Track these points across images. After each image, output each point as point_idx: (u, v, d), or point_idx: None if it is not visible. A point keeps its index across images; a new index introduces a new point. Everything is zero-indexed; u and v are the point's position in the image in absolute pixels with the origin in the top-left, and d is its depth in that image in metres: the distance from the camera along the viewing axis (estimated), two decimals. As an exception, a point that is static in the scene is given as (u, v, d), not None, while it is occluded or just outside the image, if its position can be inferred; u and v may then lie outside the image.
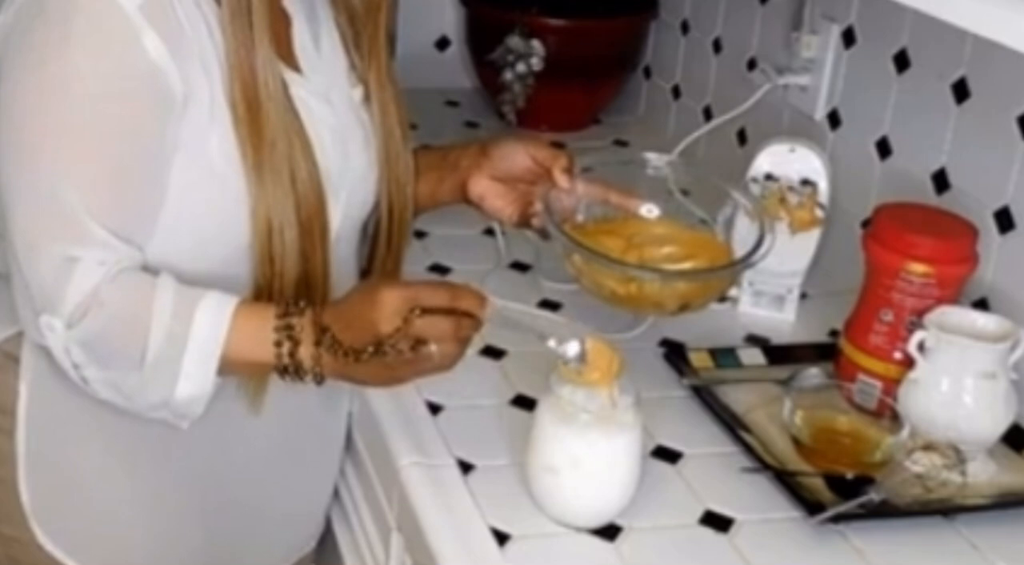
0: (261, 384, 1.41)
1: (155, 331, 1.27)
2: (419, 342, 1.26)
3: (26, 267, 1.29)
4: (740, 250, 1.54)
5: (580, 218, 1.57)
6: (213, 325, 1.28)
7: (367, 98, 1.49)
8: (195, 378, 1.29)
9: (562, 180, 1.53)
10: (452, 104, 2.53)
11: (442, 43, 2.61)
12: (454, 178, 1.59)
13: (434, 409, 1.50)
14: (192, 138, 1.30)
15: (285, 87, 1.35)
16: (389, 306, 1.26)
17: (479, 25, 2.44)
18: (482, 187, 1.57)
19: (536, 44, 2.29)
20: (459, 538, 1.30)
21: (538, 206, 1.53)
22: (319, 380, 1.30)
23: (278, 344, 1.29)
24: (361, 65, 1.49)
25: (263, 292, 1.36)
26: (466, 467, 1.40)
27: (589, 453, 1.30)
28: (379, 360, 1.27)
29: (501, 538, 1.30)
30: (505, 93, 2.34)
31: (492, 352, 1.61)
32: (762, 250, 1.50)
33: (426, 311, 1.26)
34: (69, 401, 1.39)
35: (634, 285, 1.48)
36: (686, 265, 1.55)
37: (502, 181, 1.57)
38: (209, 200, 1.33)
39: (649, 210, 1.60)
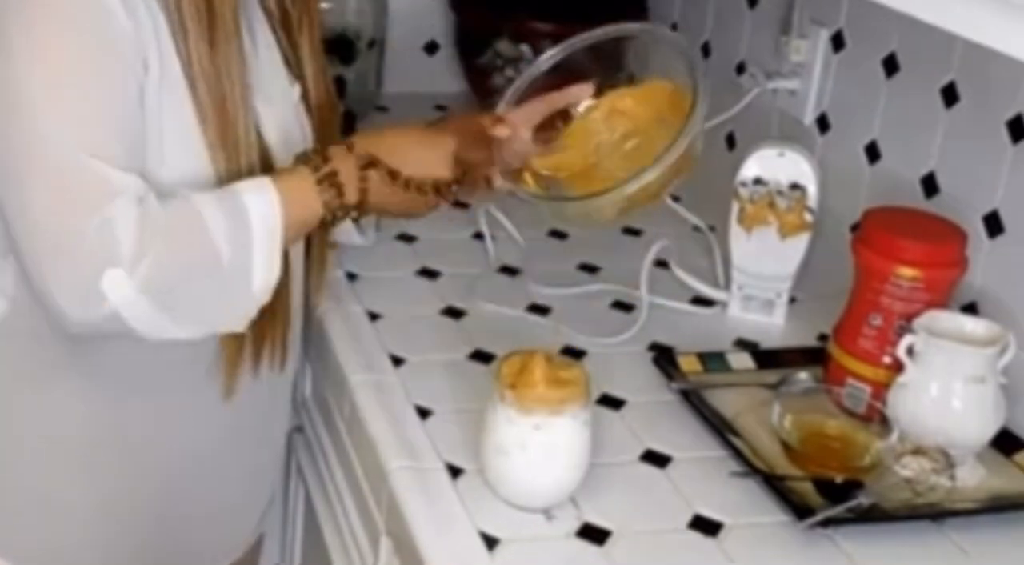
0: (233, 368, 1.44)
1: (213, 224, 1.29)
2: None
3: (68, 248, 1.25)
4: None
5: (539, 147, 1.61)
6: (265, 202, 1.32)
7: (304, 96, 1.51)
8: (266, 267, 1.32)
9: (500, 131, 1.55)
10: (441, 108, 2.53)
11: (431, 47, 2.61)
12: None
13: (423, 413, 1.50)
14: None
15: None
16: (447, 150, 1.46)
17: (468, 30, 2.44)
18: None
19: (525, 49, 2.29)
20: (448, 542, 1.30)
21: (497, 181, 1.57)
22: (362, 209, 1.41)
23: (324, 193, 1.37)
24: (295, 61, 1.51)
25: None
26: (455, 471, 1.40)
27: (536, 435, 1.30)
28: (442, 141, 1.45)
29: (490, 542, 1.29)
30: (494, 97, 2.33)
31: (482, 356, 1.61)
32: (696, 115, 1.51)
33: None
34: (26, 401, 1.39)
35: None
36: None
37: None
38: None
39: (584, 105, 1.64)
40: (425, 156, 1.45)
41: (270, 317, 1.42)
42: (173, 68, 1.32)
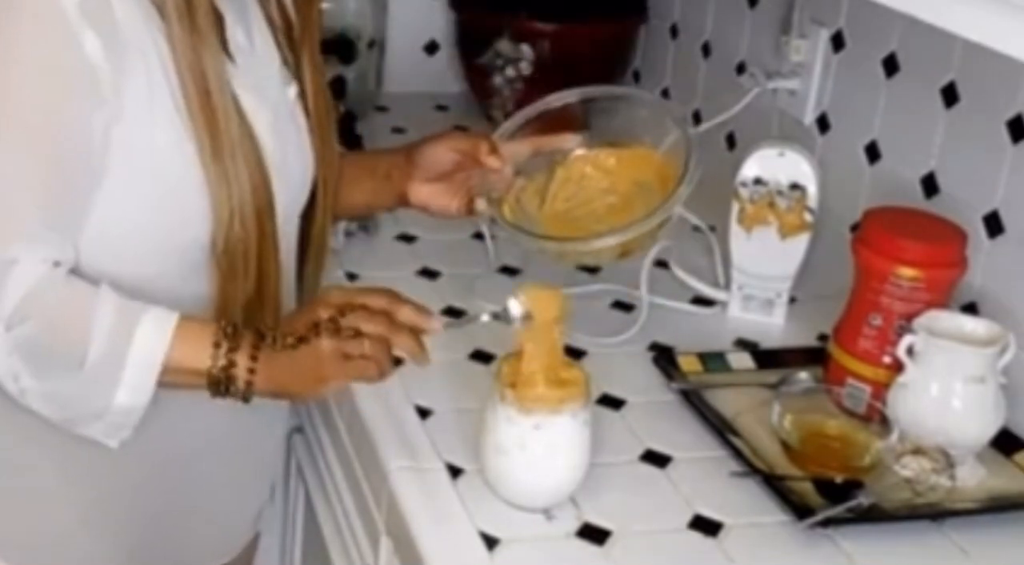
0: None
1: (96, 341, 1.28)
2: (355, 335, 1.30)
3: None
4: None
5: (521, 181, 1.64)
6: (155, 337, 1.29)
7: (302, 95, 1.51)
8: (135, 387, 1.30)
9: (492, 162, 1.56)
10: (441, 108, 2.53)
11: (431, 47, 2.61)
12: (389, 190, 1.64)
13: (423, 413, 1.50)
14: (133, 142, 1.30)
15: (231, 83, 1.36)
16: (331, 298, 1.33)
17: (468, 29, 2.44)
18: (422, 194, 1.62)
19: (525, 48, 2.29)
20: (448, 542, 1.30)
21: (480, 205, 1.59)
22: (247, 394, 1.32)
23: (216, 345, 1.30)
24: (294, 62, 1.50)
25: (226, 293, 1.38)
26: (455, 471, 1.40)
27: (536, 434, 1.30)
28: (311, 350, 1.30)
29: (490, 542, 1.29)
30: (495, 97, 2.34)
31: (481, 356, 1.61)
32: (688, 177, 1.55)
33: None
34: (14, 405, 1.39)
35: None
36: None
37: (437, 180, 1.61)
38: (161, 200, 1.33)
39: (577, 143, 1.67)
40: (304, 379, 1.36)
41: (259, 303, 1.42)
42: (165, 62, 1.32)
